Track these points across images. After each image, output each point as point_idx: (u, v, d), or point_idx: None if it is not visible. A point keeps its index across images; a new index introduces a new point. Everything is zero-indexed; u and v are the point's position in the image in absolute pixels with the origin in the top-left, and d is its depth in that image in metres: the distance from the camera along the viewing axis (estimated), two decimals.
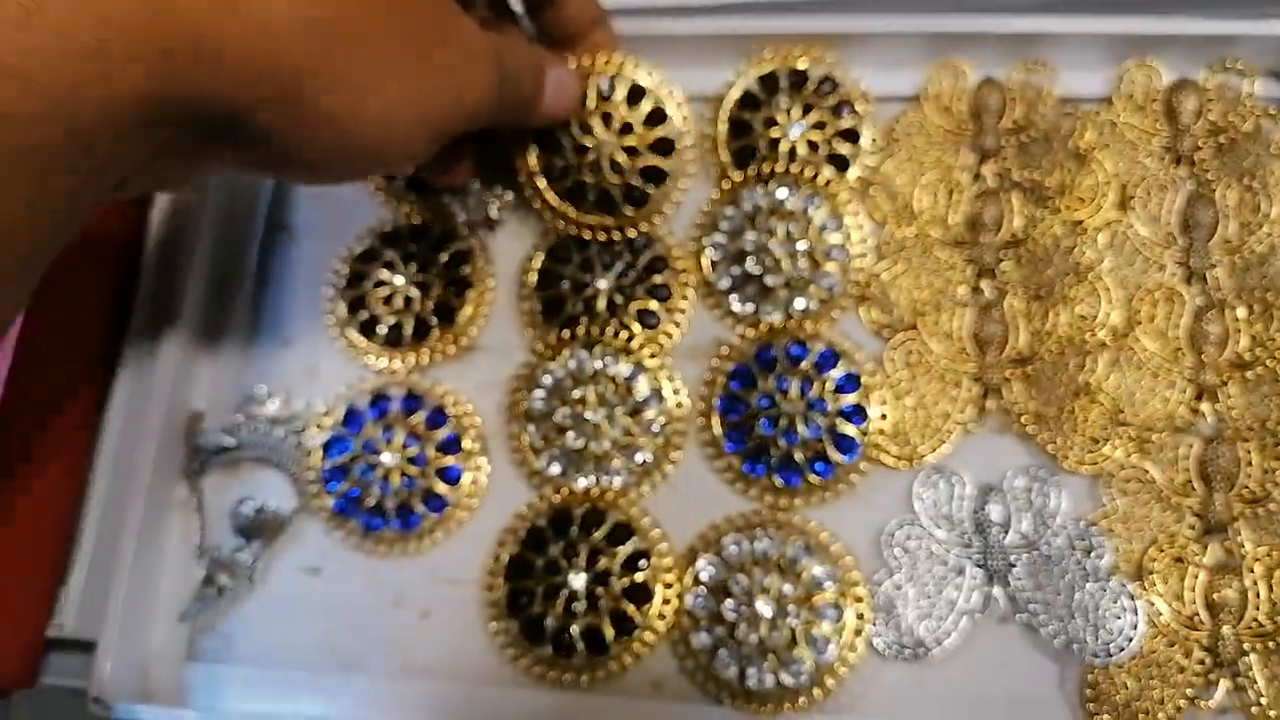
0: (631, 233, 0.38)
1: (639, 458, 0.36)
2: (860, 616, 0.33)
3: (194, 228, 0.40)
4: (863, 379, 0.36)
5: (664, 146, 0.38)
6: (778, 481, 0.35)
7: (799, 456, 0.35)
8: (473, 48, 0.30)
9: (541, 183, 0.38)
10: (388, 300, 0.39)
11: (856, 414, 0.36)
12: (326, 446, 0.38)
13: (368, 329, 0.39)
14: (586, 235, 0.39)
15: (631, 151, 0.38)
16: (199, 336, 0.39)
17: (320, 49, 0.24)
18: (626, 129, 0.38)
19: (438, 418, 0.38)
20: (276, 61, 0.23)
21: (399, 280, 0.39)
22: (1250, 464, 0.33)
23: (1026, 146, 0.38)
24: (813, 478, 0.35)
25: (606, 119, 0.37)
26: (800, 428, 0.35)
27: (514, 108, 0.34)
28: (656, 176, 0.38)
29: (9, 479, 0.36)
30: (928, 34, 0.38)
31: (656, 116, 0.38)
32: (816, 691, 0.33)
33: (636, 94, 0.38)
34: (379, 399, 0.38)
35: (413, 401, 0.38)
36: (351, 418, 0.38)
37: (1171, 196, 0.37)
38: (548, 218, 0.39)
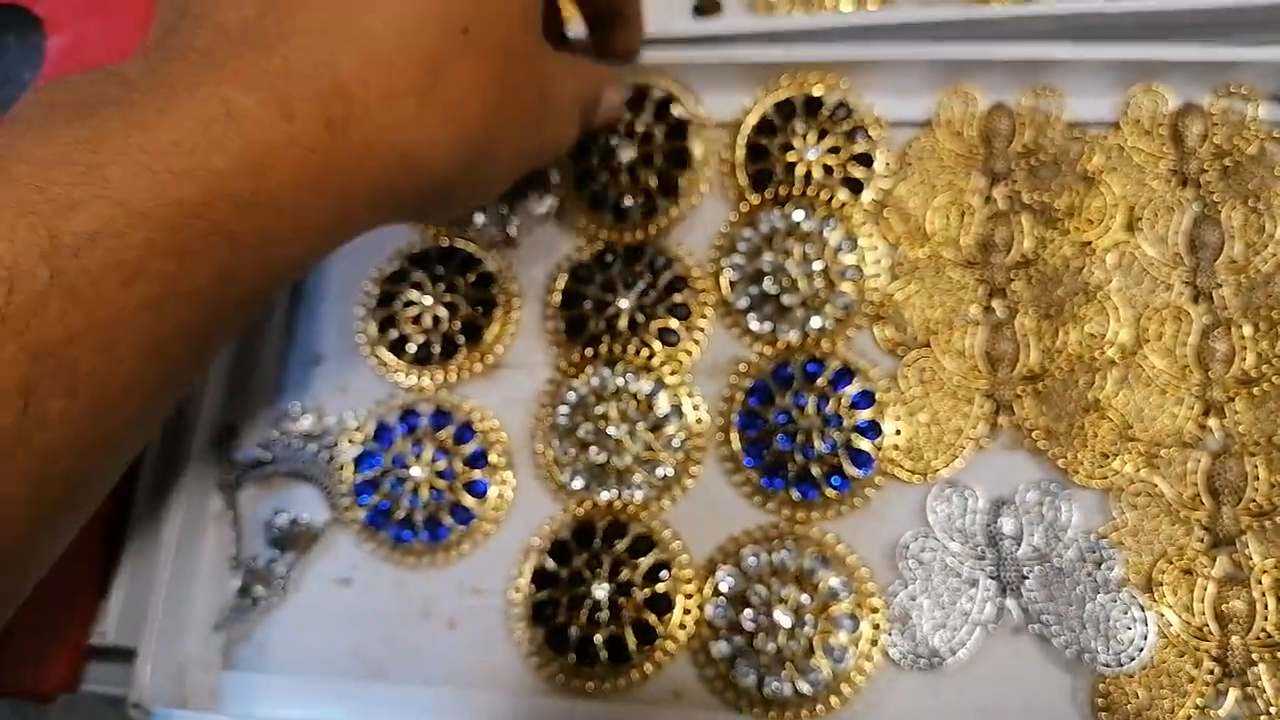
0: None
1: (660, 472, 0.37)
2: (876, 627, 0.34)
3: None
4: (877, 395, 0.37)
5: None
6: (795, 495, 0.36)
7: (815, 471, 0.36)
8: (565, 109, 0.33)
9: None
10: (416, 319, 0.41)
11: (871, 430, 0.37)
12: (357, 461, 0.39)
13: (397, 347, 0.41)
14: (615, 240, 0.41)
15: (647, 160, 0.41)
16: (234, 355, 0.41)
17: (471, 169, 0.29)
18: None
19: (465, 433, 0.39)
20: (444, 188, 0.28)
21: (427, 300, 0.41)
22: (1257, 478, 0.34)
23: (1036, 170, 0.39)
24: (829, 492, 0.36)
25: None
26: (816, 443, 0.36)
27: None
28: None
29: None
30: (939, 61, 0.40)
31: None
32: (833, 700, 0.34)
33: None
34: (408, 415, 0.39)
35: (441, 417, 0.39)
36: (382, 433, 0.39)
37: (1178, 218, 0.38)
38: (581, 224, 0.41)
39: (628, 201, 0.41)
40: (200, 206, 0.22)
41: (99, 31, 0.41)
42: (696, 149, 0.41)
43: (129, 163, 0.22)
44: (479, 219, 0.41)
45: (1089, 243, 0.37)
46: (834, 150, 0.40)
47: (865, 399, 0.37)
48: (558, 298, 0.40)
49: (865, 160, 0.40)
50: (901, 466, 0.36)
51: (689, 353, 0.39)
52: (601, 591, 0.36)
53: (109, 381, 0.22)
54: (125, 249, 0.21)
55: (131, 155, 0.22)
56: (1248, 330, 0.36)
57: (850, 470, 0.36)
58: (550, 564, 0.37)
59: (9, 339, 0.20)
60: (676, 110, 0.41)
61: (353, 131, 0.25)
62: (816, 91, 0.40)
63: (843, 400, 0.37)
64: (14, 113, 0.23)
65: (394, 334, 0.41)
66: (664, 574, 0.36)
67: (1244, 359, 0.35)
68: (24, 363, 0.20)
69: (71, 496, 0.23)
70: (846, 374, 0.37)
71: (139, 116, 0.22)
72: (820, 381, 0.37)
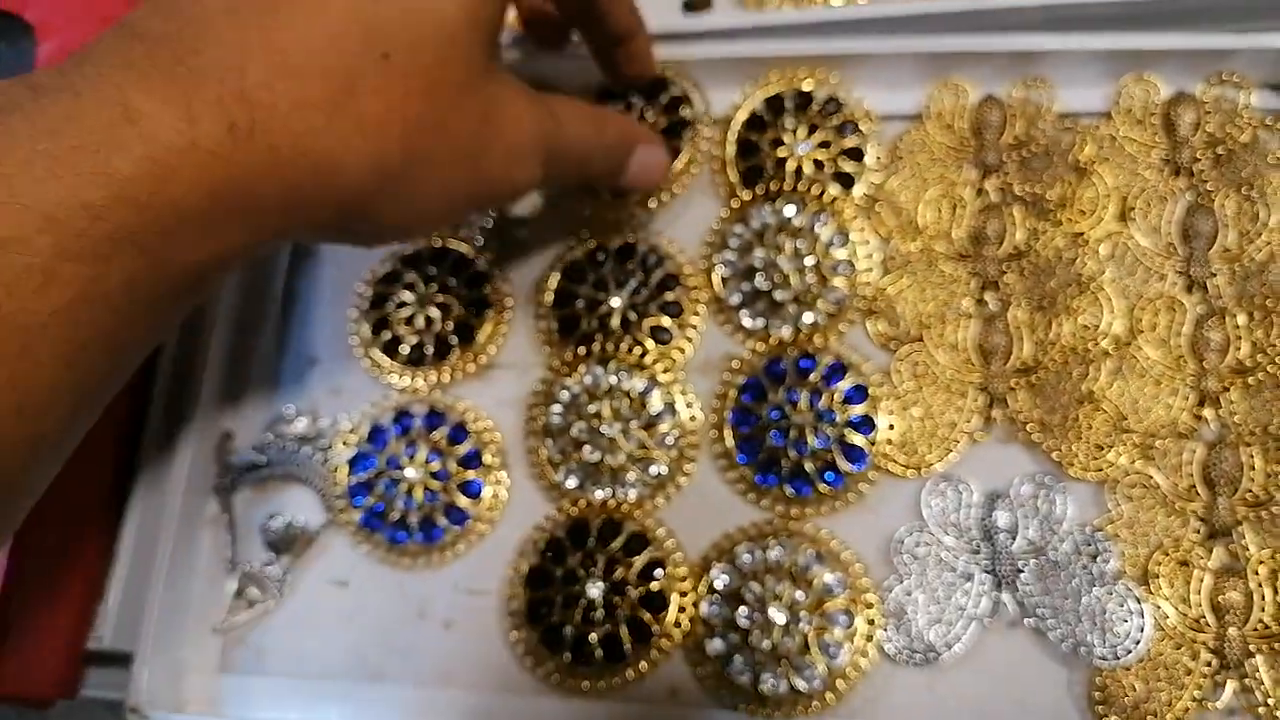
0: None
1: (654, 470, 0.37)
2: (871, 622, 0.34)
3: None
4: (870, 390, 0.37)
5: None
6: (789, 491, 0.36)
7: (809, 467, 0.36)
8: (516, 147, 0.32)
9: None
10: (409, 321, 0.41)
11: (864, 424, 0.37)
12: (352, 463, 0.39)
13: (391, 349, 0.41)
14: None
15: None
16: (229, 359, 0.41)
17: (389, 187, 0.29)
18: None
19: (459, 434, 0.39)
20: (358, 203, 0.28)
21: (420, 301, 0.41)
22: (1253, 468, 0.34)
23: (1027, 161, 0.39)
24: (823, 487, 0.36)
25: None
26: (810, 438, 0.36)
27: (594, 178, 0.38)
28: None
29: (51, 502, 0.37)
30: (929, 54, 0.40)
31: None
32: (829, 696, 0.34)
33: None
34: (402, 416, 0.39)
35: (435, 418, 0.39)
36: (376, 435, 0.39)
37: (1171, 207, 0.37)
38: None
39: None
40: (104, 210, 0.23)
41: (88, 37, 0.41)
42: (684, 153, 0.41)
43: (35, 169, 0.22)
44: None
45: (1082, 234, 0.37)
46: (824, 145, 0.40)
47: (858, 394, 0.37)
48: (550, 297, 0.40)
49: (856, 154, 0.40)
50: (895, 461, 0.36)
51: (681, 350, 0.39)
52: (596, 590, 0.36)
53: (27, 390, 0.22)
54: (34, 254, 0.22)
55: (37, 161, 0.22)
56: (1242, 319, 0.36)
57: (844, 465, 0.36)
58: (545, 563, 0.37)
59: None
60: (685, 112, 0.41)
61: (259, 138, 0.25)
62: (806, 86, 0.40)
63: (835, 395, 0.37)
64: None
65: (387, 335, 0.41)
66: (658, 572, 0.36)
67: (1239, 348, 0.35)
68: None
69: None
70: (839, 369, 0.37)
71: (45, 122, 0.23)
72: (813, 377, 0.37)
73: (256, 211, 0.26)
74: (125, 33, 0.25)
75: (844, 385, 0.37)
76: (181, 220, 0.24)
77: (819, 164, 0.39)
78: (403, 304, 0.41)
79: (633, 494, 0.37)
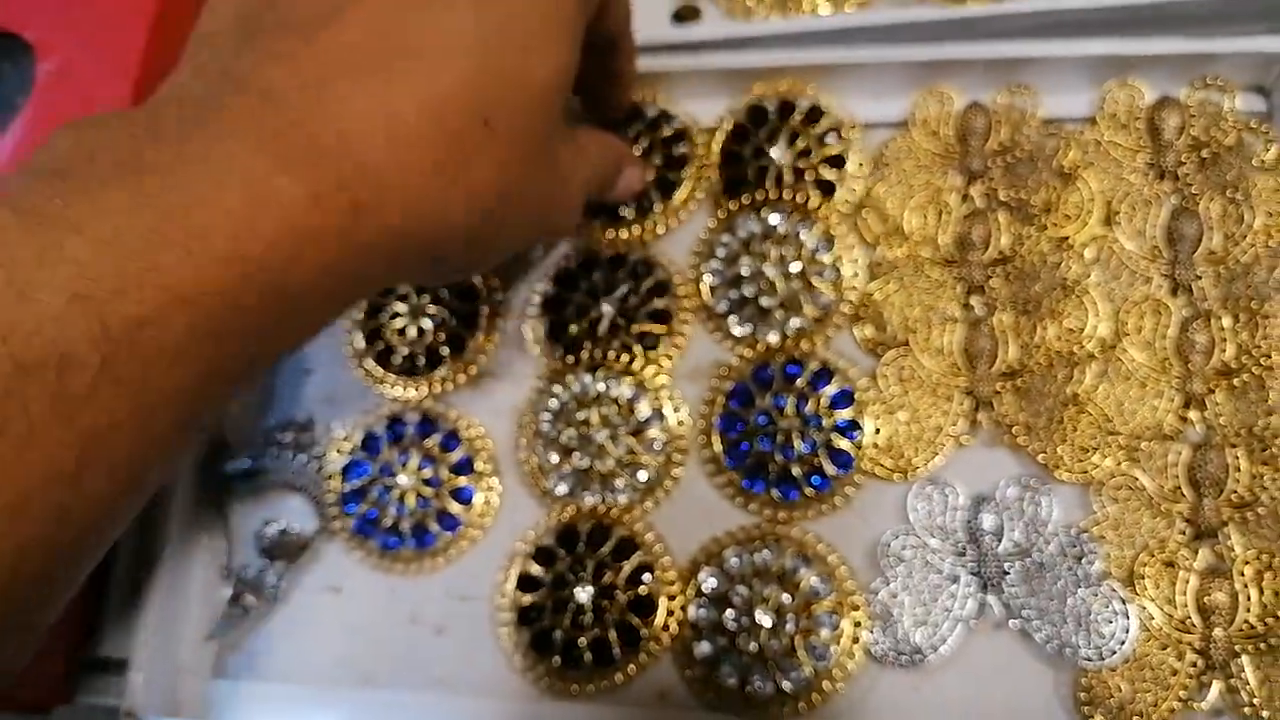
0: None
1: (642, 476, 0.37)
2: (857, 624, 0.34)
3: None
4: (856, 395, 0.37)
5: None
6: (776, 495, 0.37)
7: (796, 471, 0.36)
8: (575, 197, 0.34)
9: None
10: (402, 331, 0.41)
11: (851, 429, 0.37)
12: (345, 470, 0.40)
13: (384, 358, 0.41)
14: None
15: None
16: None
17: (470, 251, 0.29)
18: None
19: (451, 441, 0.39)
20: (443, 258, 0.29)
21: (413, 313, 0.41)
22: (1238, 469, 0.34)
23: (1012, 167, 0.39)
24: (809, 491, 0.36)
25: None
26: (796, 443, 0.37)
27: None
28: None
29: None
30: (914, 62, 0.40)
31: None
32: (816, 697, 0.34)
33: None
34: (395, 424, 0.40)
35: (427, 426, 0.40)
36: (369, 442, 0.40)
37: (1156, 211, 0.38)
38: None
39: (623, 211, 0.41)
40: (237, 292, 0.23)
41: (87, 57, 0.42)
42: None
43: (175, 246, 0.22)
44: None
45: (1066, 238, 0.38)
46: (807, 153, 0.40)
47: (844, 399, 0.37)
48: (541, 304, 0.41)
49: (838, 162, 0.40)
50: (881, 465, 0.36)
51: (670, 357, 0.39)
52: (585, 595, 0.36)
53: (145, 461, 0.23)
54: (169, 335, 0.22)
55: (177, 239, 0.22)
56: (1227, 321, 0.36)
57: (830, 469, 0.36)
58: (535, 569, 0.37)
59: (62, 425, 0.20)
60: (684, 148, 0.42)
61: (374, 213, 0.25)
62: (790, 96, 0.41)
63: (822, 400, 0.37)
64: (54, 155, 0.23)
65: (380, 345, 0.41)
66: (646, 576, 0.36)
67: (1224, 350, 0.35)
68: (76, 447, 0.21)
69: (92, 558, 0.24)
70: (825, 374, 0.37)
71: (183, 192, 0.22)
72: (800, 382, 0.37)
73: (366, 278, 0.27)
74: (241, 83, 0.25)
75: (830, 390, 0.37)
76: (303, 296, 0.24)
77: (801, 172, 0.40)
78: (396, 315, 0.41)
79: (622, 499, 0.37)
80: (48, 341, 0.20)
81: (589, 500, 0.38)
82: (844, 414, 0.37)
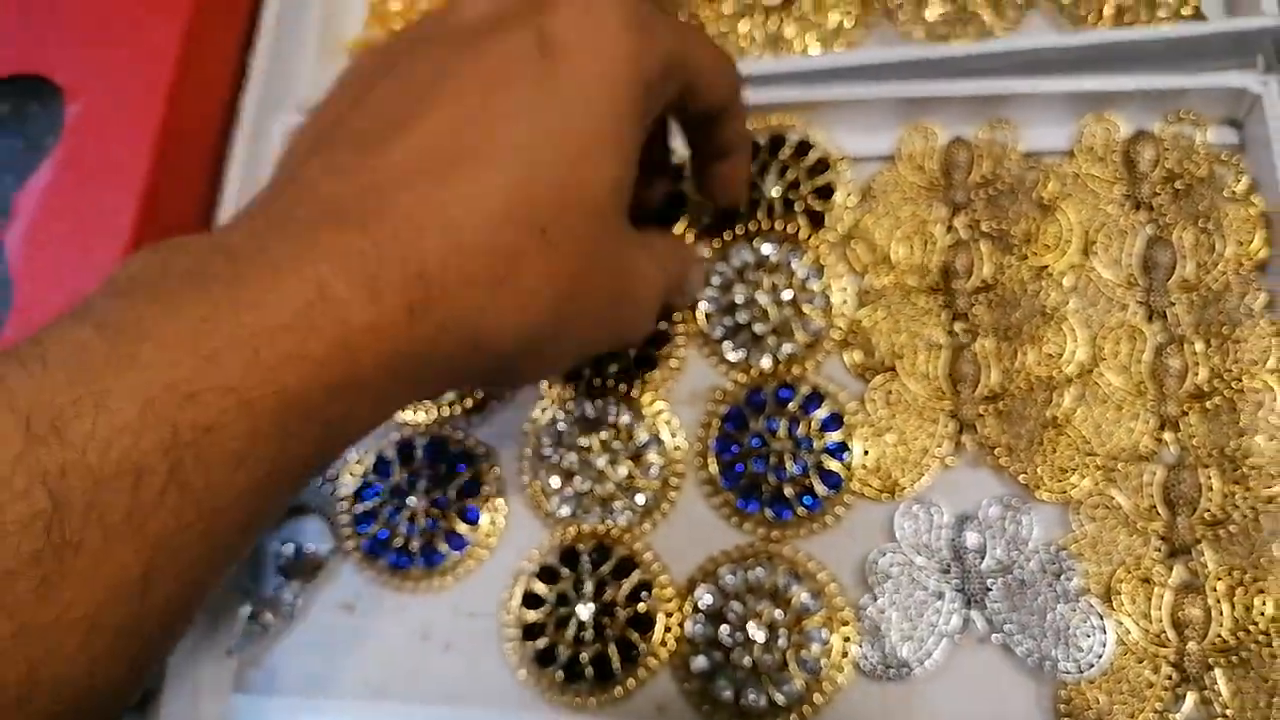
0: None
1: (640, 499, 0.39)
2: (847, 639, 0.36)
3: None
4: (845, 418, 0.39)
5: None
6: (769, 515, 0.38)
7: (788, 491, 0.38)
8: (645, 302, 0.34)
9: None
10: None
11: (841, 450, 0.38)
12: (358, 492, 0.41)
13: None
14: None
15: None
16: None
17: (533, 350, 0.29)
18: None
19: (459, 464, 0.41)
20: (503, 366, 0.29)
21: None
22: (1211, 489, 0.35)
23: (994, 199, 0.41)
24: (801, 511, 0.38)
25: None
26: (789, 464, 0.38)
27: None
28: None
29: None
30: (900, 99, 0.42)
31: None
32: (807, 709, 0.35)
33: None
34: (405, 448, 0.42)
35: (435, 450, 0.42)
36: (381, 465, 0.42)
37: (1132, 240, 0.39)
38: None
39: None
40: (300, 394, 0.23)
41: (113, 99, 0.45)
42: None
43: (241, 348, 0.22)
44: None
45: (1046, 267, 0.39)
46: (795, 185, 0.42)
47: (834, 421, 0.39)
48: None
49: (827, 194, 0.42)
50: (870, 485, 0.38)
51: (668, 383, 0.41)
52: (586, 612, 0.38)
53: (211, 564, 0.23)
54: (235, 439, 0.22)
55: (242, 340, 0.23)
56: (1200, 346, 0.37)
57: (821, 490, 0.38)
58: (539, 587, 0.39)
59: (134, 533, 0.21)
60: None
61: (431, 316, 0.26)
62: (781, 130, 0.43)
63: (812, 423, 0.39)
64: (130, 272, 0.25)
65: None
66: (645, 594, 0.38)
67: (1197, 374, 0.37)
68: (146, 554, 0.21)
69: (159, 660, 0.25)
70: (816, 398, 0.39)
71: (248, 296, 0.23)
72: (791, 406, 0.39)
73: (425, 380, 0.27)
74: (307, 195, 0.26)
75: (820, 414, 0.39)
76: (361, 398, 0.25)
77: (790, 203, 0.42)
78: None
79: (621, 520, 0.39)
80: (123, 452, 0.21)
81: (590, 522, 0.39)
82: (834, 436, 0.39)
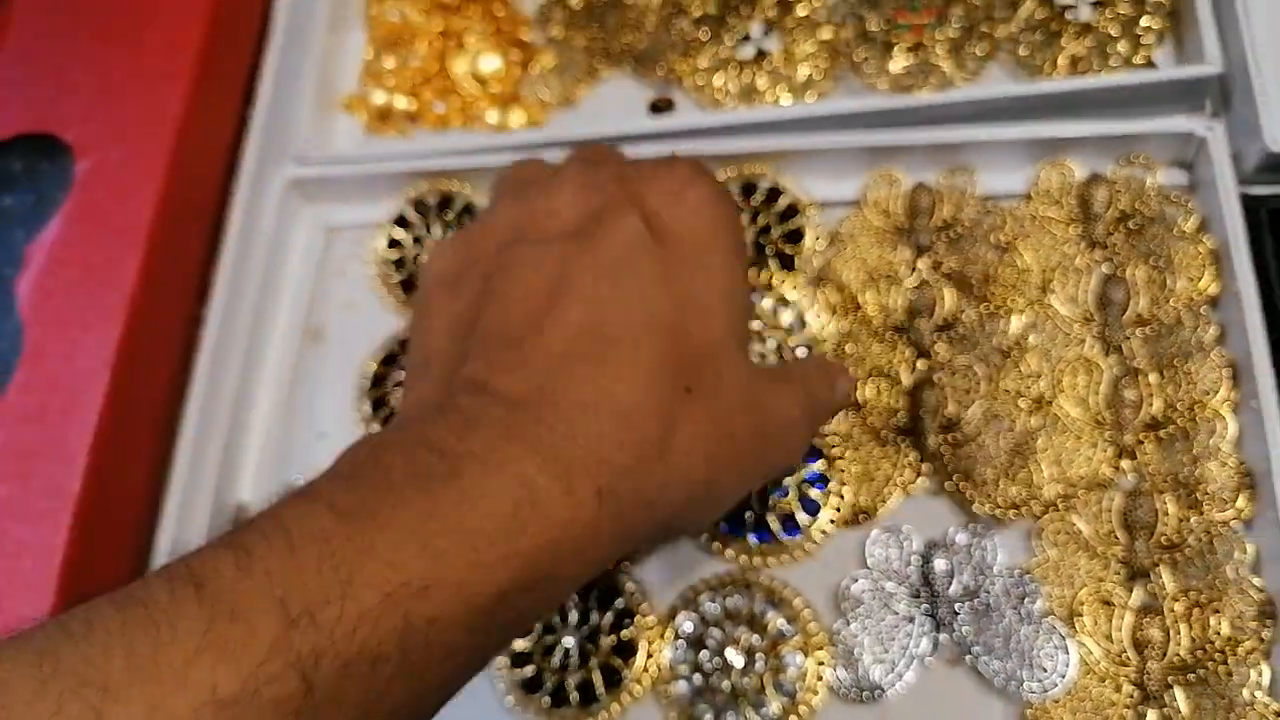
0: None
1: None
2: (821, 663, 0.37)
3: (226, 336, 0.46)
4: (824, 450, 0.40)
5: None
6: (751, 543, 0.40)
7: (771, 520, 0.40)
8: (789, 432, 0.35)
9: None
10: None
11: (820, 480, 0.40)
12: None
13: (389, 423, 0.45)
14: None
15: None
16: (241, 434, 0.45)
17: (695, 504, 0.31)
18: None
19: None
20: (668, 524, 0.31)
21: None
22: (1167, 514, 0.37)
23: (956, 241, 0.43)
24: (783, 539, 0.40)
25: None
26: (770, 493, 0.40)
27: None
28: None
29: (79, 566, 0.41)
30: (866, 147, 0.44)
31: None
32: None
33: None
34: None
35: None
36: None
37: (1087, 279, 0.41)
38: None
39: None
40: (510, 590, 0.25)
41: (120, 156, 0.47)
42: None
43: (462, 546, 0.24)
44: None
45: (1006, 305, 0.41)
46: (766, 230, 0.44)
47: (814, 453, 0.41)
48: None
49: (797, 237, 0.44)
50: (843, 513, 0.40)
51: None
52: (571, 640, 0.39)
53: None
54: (454, 631, 0.24)
55: (464, 537, 0.24)
56: (1154, 378, 0.39)
57: (802, 519, 0.40)
58: None
59: (363, 718, 0.22)
60: None
61: (613, 496, 0.27)
62: (753, 179, 0.45)
63: None
64: (354, 463, 0.27)
65: (385, 411, 0.45)
66: (628, 622, 0.39)
67: (1151, 405, 0.39)
68: None
69: None
70: None
71: (466, 494, 0.25)
72: None
73: (610, 558, 0.29)
74: (492, 399, 0.28)
75: None
76: (556, 584, 0.27)
77: (761, 247, 0.44)
78: (399, 384, 0.45)
79: None
80: (364, 640, 0.22)
81: None
82: (815, 467, 0.40)
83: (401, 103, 0.53)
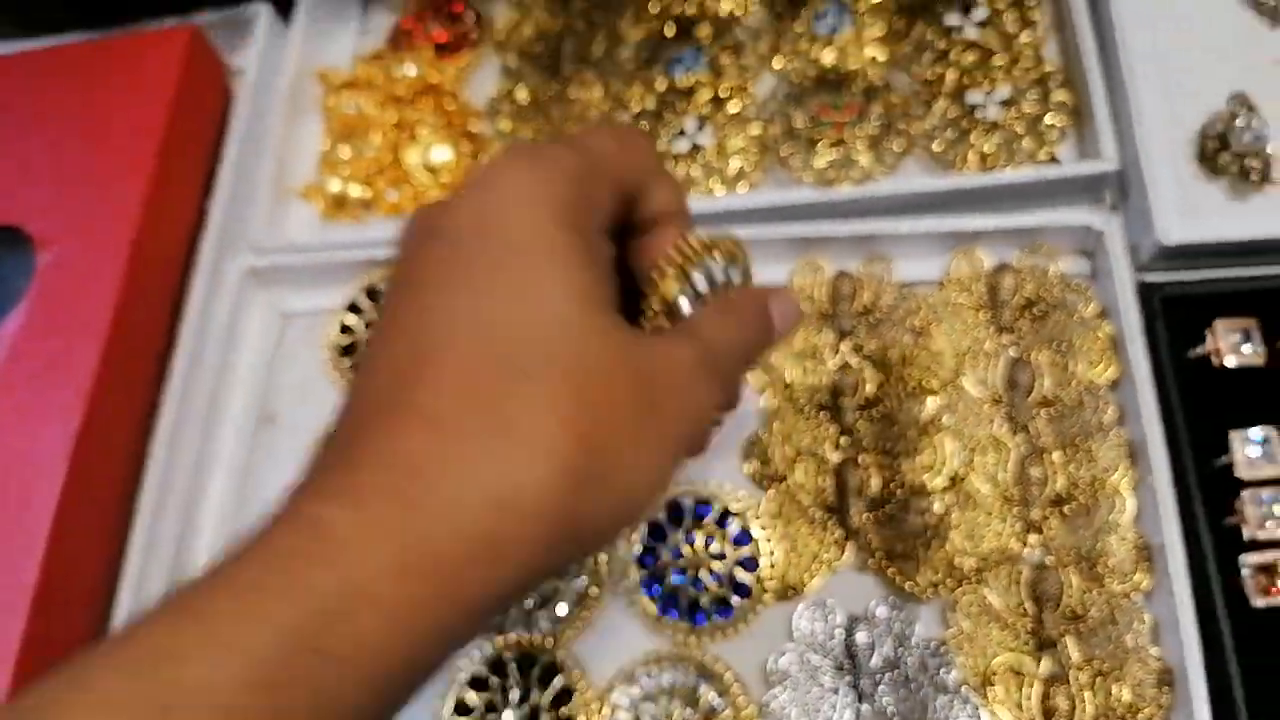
0: None
1: (559, 610, 0.43)
2: None
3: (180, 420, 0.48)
4: (753, 531, 0.43)
5: None
6: (686, 624, 0.42)
7: (704, 602, 0.42)
8: (684, 387, 0.30)
9: None
10: None
11: (750, 562, 0.42)
12: None
13: None
14: None
15: None
16: (196, 515, 0.47)
17: (588, 491, 0.27)
18: None
19: None
20: (571, 523, 0.27)
21: None
22: (1071, 586, 0.39)
23: (875, 325, 0.45)
24: (716, 620, 0.42)
25: None
26: (705, 576, 0.42)
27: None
28: None
29: (35, 651, 0.42)
30: (794, 238, 0.47)
31: None
32: None
33: None
34: None
35: None
36: None
37: (996, 361, 0.44)
38: None
39: None
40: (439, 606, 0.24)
41: (81, 248, 0.49)
42: None
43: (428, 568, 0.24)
44: None
45: (921, 385, 0.44)
46: None
47: (745, 535, 0.43)
48: None
49: None
50: (771, 592, 0.42)
51: None
52: (512, 717, 0.41)
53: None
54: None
55: (426, 555, 0.24)
56: (1058, 456, 0.42)
57: (735, 601, 0.42)
58: (470, 696, 0.42)
59: None
60: None
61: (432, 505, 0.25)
62: None
63: (726, 537, 0.43)
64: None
65: None
66: (567, 699, 0.41)
67: (1055, 482, 0.41)
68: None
69: None
70: (728, 514, 0.43)
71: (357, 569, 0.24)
72: (708, 520, 0.43)
73: (536, 570, 0.27)
74: (383, 461, 0.26)
75: (733, 529, 0.43)
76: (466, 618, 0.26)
77: None
78: None
79: (545, 626, 0.42)
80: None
81: (514, 633, 0.42)
82: (745, 551, 0.42)
83: (356, 191, 0.55)
